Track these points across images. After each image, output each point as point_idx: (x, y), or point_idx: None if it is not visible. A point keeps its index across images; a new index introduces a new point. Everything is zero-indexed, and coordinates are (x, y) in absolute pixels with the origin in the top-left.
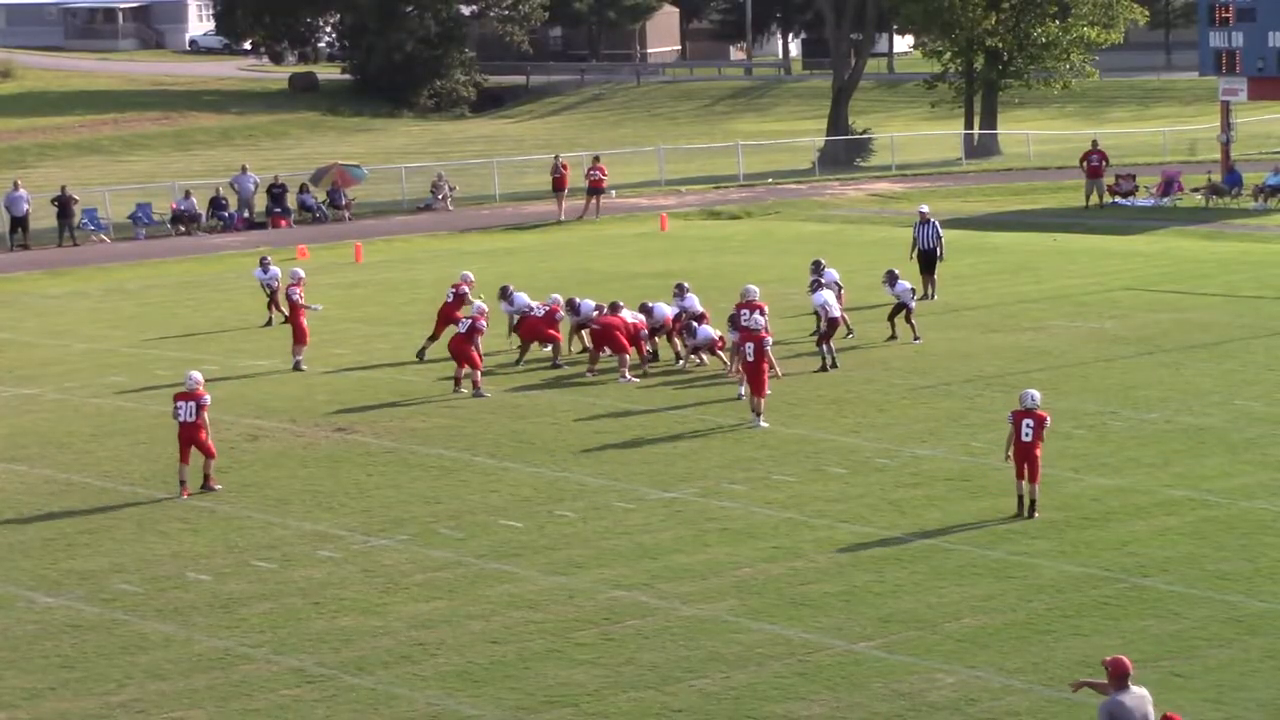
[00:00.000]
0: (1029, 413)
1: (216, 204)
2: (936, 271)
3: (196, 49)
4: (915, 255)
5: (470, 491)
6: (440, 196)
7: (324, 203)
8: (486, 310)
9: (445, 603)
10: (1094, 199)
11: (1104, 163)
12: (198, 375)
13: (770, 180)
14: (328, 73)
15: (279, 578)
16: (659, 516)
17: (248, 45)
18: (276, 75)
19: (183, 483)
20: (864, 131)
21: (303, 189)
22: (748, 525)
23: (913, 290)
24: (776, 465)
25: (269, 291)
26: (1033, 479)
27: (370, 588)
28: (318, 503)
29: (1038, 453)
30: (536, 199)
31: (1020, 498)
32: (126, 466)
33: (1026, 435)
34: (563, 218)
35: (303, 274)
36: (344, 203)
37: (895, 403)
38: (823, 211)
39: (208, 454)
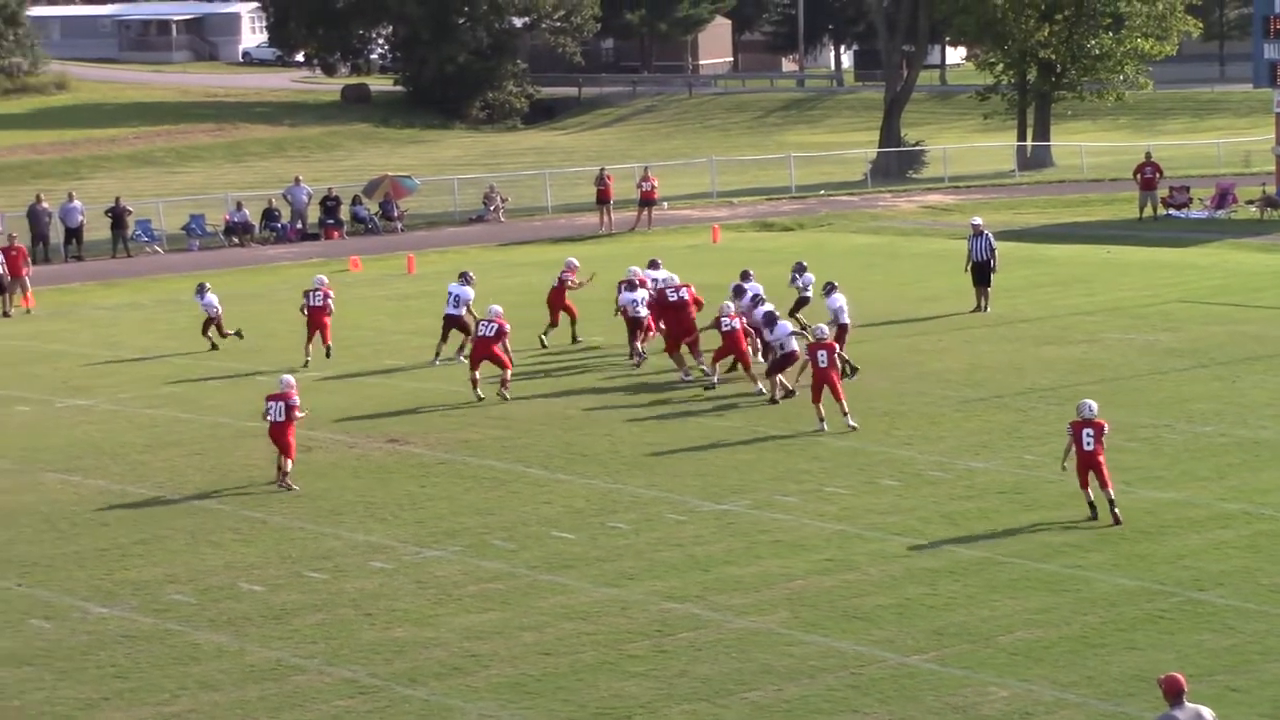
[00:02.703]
0: (1088, 422)
1: (269, 215)
2: (990, 284)
3: (249, 61)
4: (969, 268)
5: (523, 503)
6: (492, 208)
7: (376, 214)
8: (500, 311)
9: (498, 614)
10: (1148, 211)
11: (1158, 175)
12: (290, 379)
13: (822, 192)
14: (380, 84)
15: (331, 589)
16: (711, 528)
17: (300, 57)
18: (329, 87)
19: (280, 469)
20: (916, 143)
21: (355, 200)
22: (800, 537)
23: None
24: (829, 477)
25: (207, 317)
26: (1104, 485)
27: (423, 599)
28: (370, 514)
29: (1102, 459)
30: (589, 210)
31: (1092, 504)
32: (180, 477)
33: (1088, 444)
34: (606, 230)
35: (326, 280)
36: (396, 214)
37: (948, 415)
38: (875, 223)
39: (287, 454)
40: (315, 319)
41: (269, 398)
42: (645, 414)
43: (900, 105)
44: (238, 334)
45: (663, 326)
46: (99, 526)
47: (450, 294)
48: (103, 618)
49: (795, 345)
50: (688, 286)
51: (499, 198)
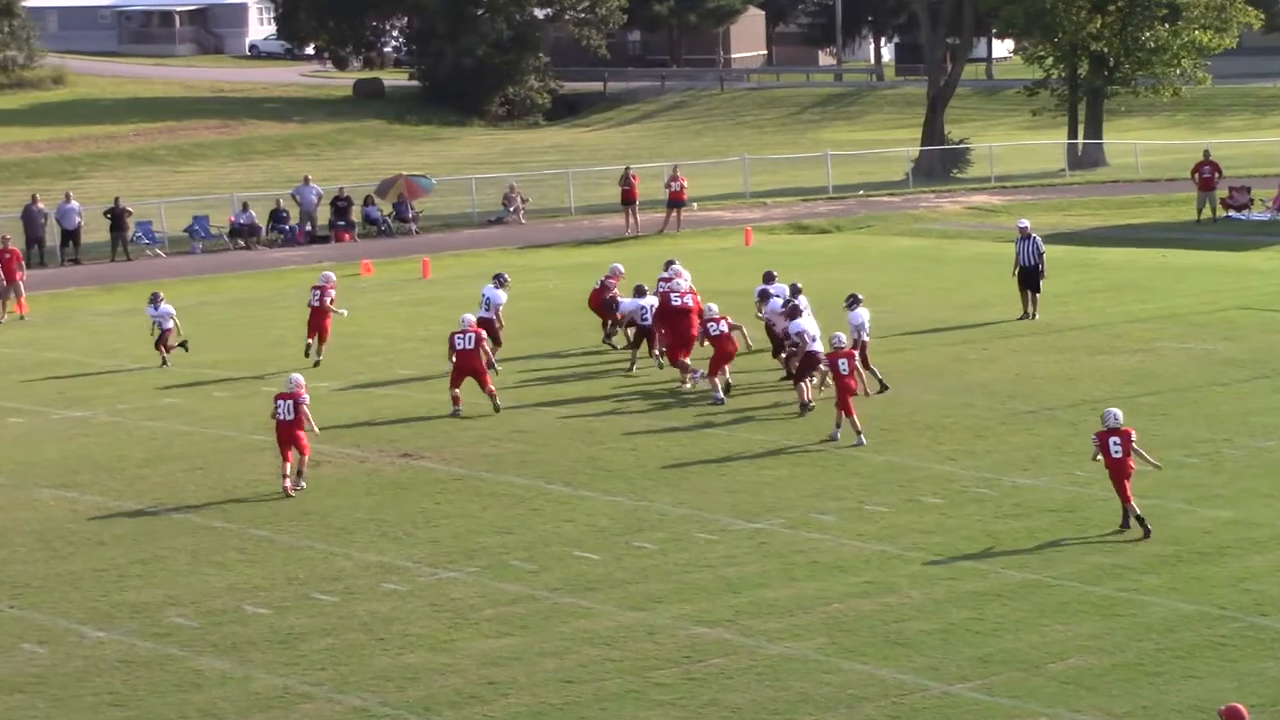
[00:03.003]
0: (1114, 430)
1: (277, 216)
2: (1039, 289)
3: (257, 54)
4: (1016, 273)
5: (543, 521)
6: (512, 209)
7: (390, 215)
8: (473, 320)
9: (517, 639)
10: (1206, 213)
11: (1217, 174)
12: (299, 378)
13: (861, 192)
14: (394, 79)
15: (341, 612)
16: (744, 548)
17: (310, 50)
18: (340, 82)
19: (285, 476)
20: (961, 141)
21: (368, 201)
22: (838, 558)
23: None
24: (868, 495)
25: (159, 331)
26: (1126, 499)
27: (438, 623)
28: (382, 532)
29: (1132, 465)
30: (613, 212)
31: (1140, 518)
32: (181, 494)
33: (1117, 452)
34: (632, 232)
35: (333, 276)
36: (411, 215)
37: (994, 429)
38: (917, 225)
39: (301, 450)
40: (314, 321)
41: (278, 397)
42: (670, 425)
43: (944, 101)
44: (183, 345)
45: (662, 332)
46: (96, 545)
47: (483, 297)
48: (100, 642)
49: (818, 346)
50: (693, 292)
51: (519, 198)
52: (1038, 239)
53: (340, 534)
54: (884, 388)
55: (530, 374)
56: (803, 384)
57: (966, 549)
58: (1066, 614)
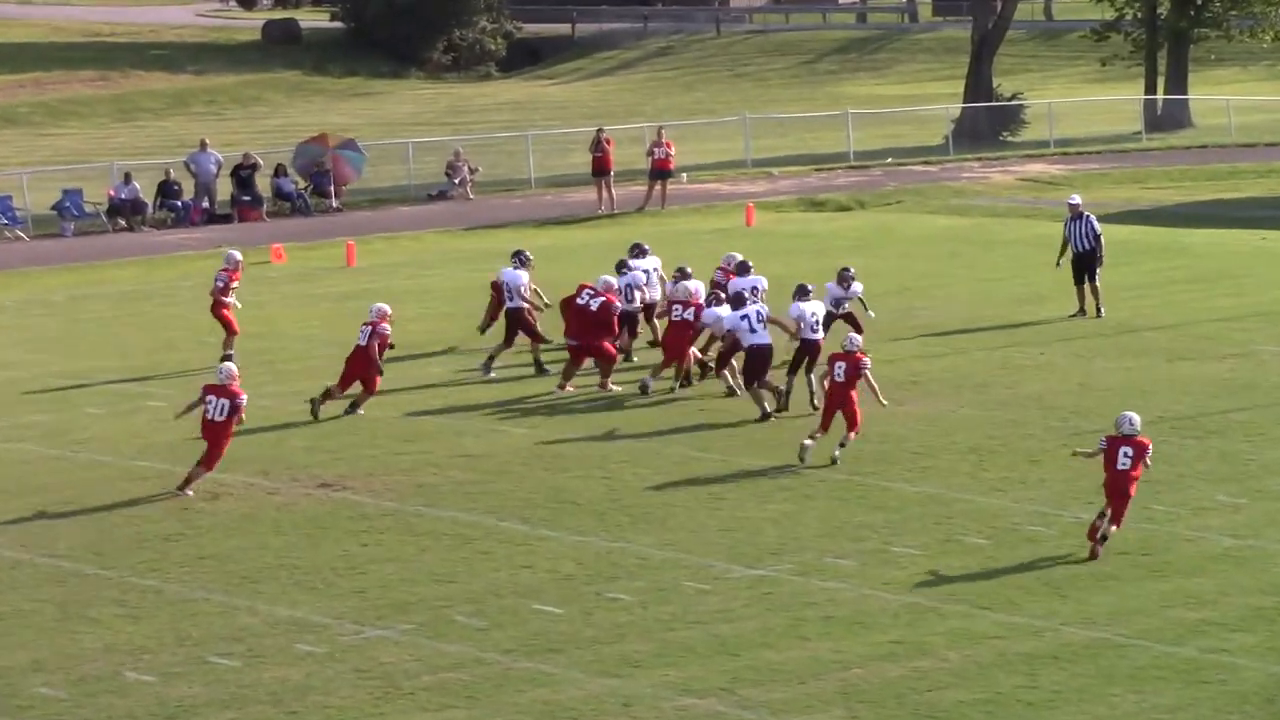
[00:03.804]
0: (1128, 439)
1: (167, 190)
2: (1098, 279)
3: None
4: (1066, 260)
5: (495, 567)
6: (458, 181)
7: (306, 189)
8: (389, 313)
9: (462, 712)
10: None
11: None
12: (232, 367)
13: (890, 161)
14: (312, 20)
15: (243, 679)
16: (742, 600)
17: None
18: (246, 23)
19: (189, 480)
20: (1013, 97)
21: (279, 171)
22: (858, 612)
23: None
24: (896, 534)
25: None
26: (1119, 516)
27: (363, 693)
28: (295, 581)
29: (1134, 486)
30: (583, 184)
31: (1096, 530)
32: (49, 533)
33: (1124, 464)
34: (606, 209)
35: (239, 257)
36: (332, 189)
37: (1052, 453)
38: (959, 201)
39: (211, 461)
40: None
41: (208, 389)
42: (657, 451)
43: (992, 47)
44: None
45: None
46: None
47: (504, 284)
48: None
49: (753, 339)
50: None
51: (467, 168)
52: (1092, 218)
53: (243, 583)
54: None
55: (479, 384)
56: (725, 373)
57: (1017, 600)
58: (1140, 681)
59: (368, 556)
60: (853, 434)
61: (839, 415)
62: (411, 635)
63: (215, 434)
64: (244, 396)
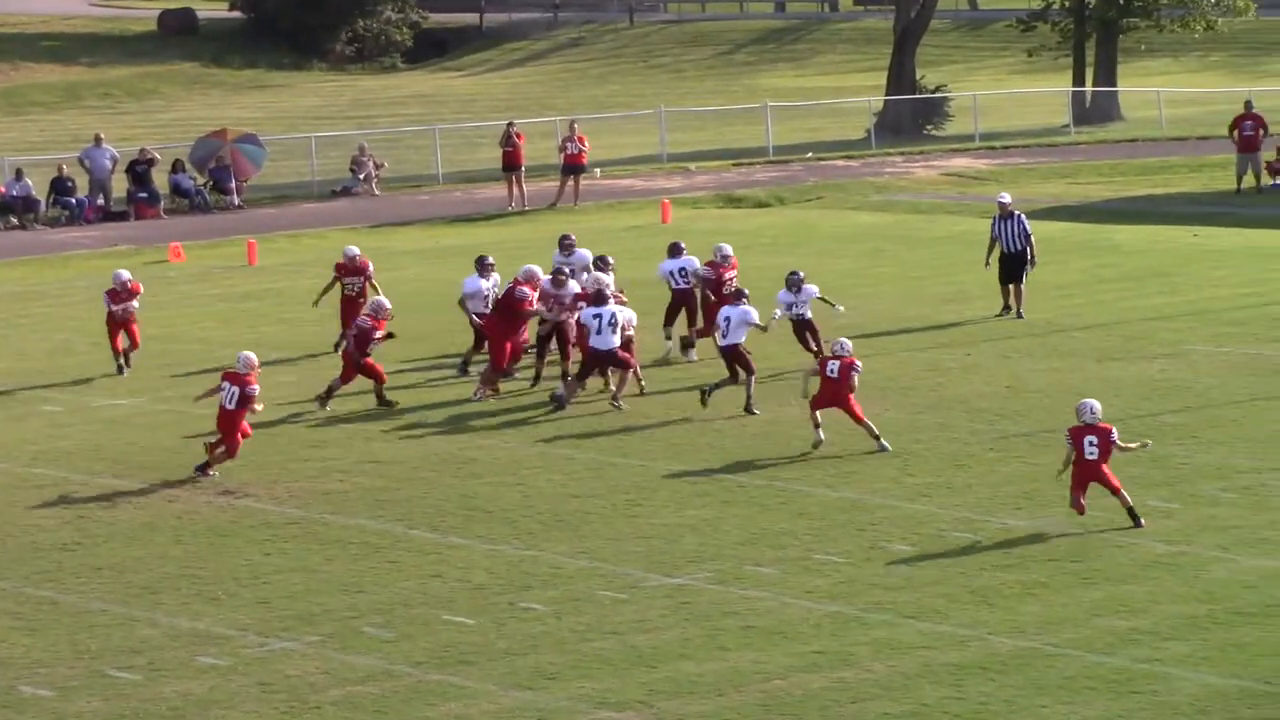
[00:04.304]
0: (1091, 428)
1: (60, 187)
2: (1024, 281)
3: None
4: (995, 259)
5: (404, 577)
6: (363, 176)
7: (205, 185)
8: (387, 306)
9: None
10: (1248, 180)
11: (1262, 132)
12: (252, 356)
13: (810, 155)
14: (210, 9)
15: (144, 694)
16: (659, 610)
17: None
18: (141, 12)
19: (209, 463)
20: (936, 89)
21: (176, 167)
22: (780, 622)
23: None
24: (819, 541)
25: None
26: (1116, 493)
27: (268, 706)
28: (197, 591)
29: (1107, 469)
30: (493, 180)
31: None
32: None
33: (1091, 453)
34: (517, 206)
35: (127, 276)
36: (233, 186)
37: (979, 456)
38: (881, 197)
39: (229, 450)
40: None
41: (226, 375)
42: (571, 456)
43: (915, 38)
44: None
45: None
46: None
47: (470, 293)
48: None
49: (597, 341)
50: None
51: (372, 163)
52: (1023, 218)
53: (143, 594)
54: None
55: (388, 388)
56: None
57: (943, 609)
58: (1070, 691)
59: (272, 566)
60: (868, 423)
61: (831, 411)
62: (318, 647)
63: (227, 423)
64: (256, 386)
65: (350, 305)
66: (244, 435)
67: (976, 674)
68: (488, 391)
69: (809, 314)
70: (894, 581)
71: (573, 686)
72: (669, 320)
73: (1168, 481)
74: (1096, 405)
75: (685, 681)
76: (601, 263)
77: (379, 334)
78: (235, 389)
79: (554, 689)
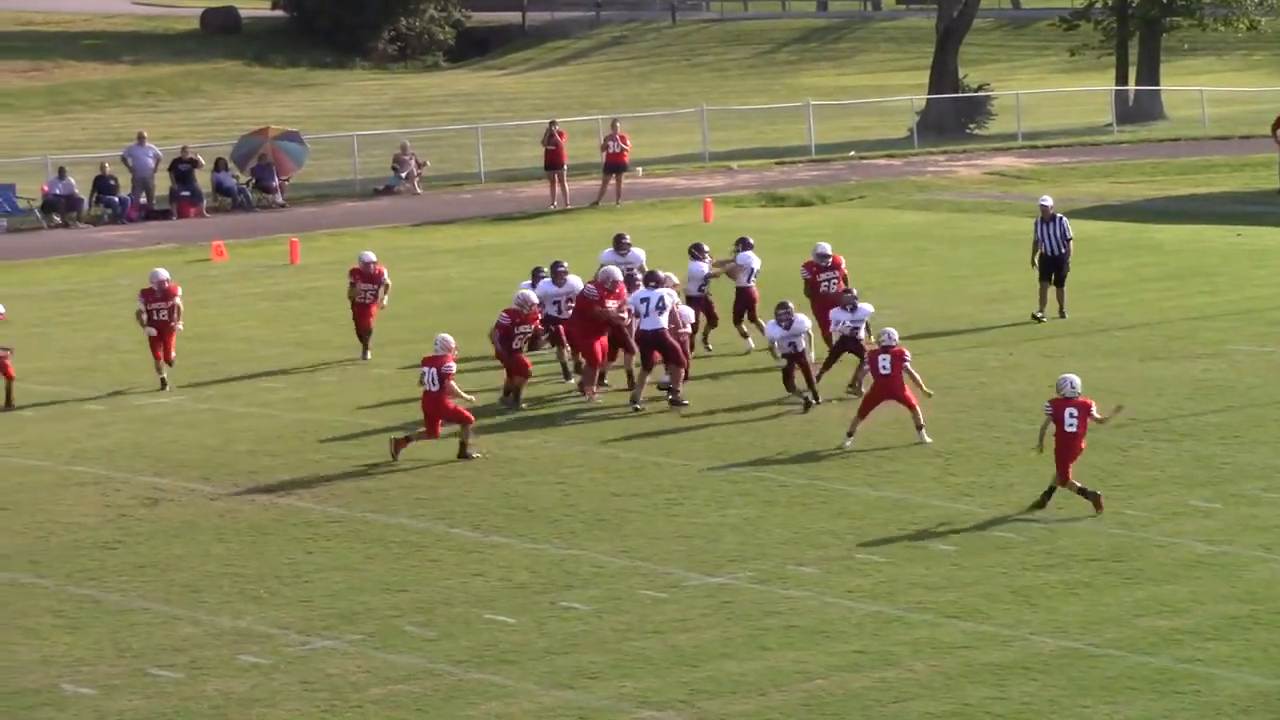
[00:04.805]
0: (1070, 400)
1: (103, 186)
2: (1064, 283)
3: None
4: (1036, 260)
5: (445, 575)
6: (405, 175)
7: (248, 184)
8: (534, 300)
9: None
10: None
11: None
12: (449, 339)
13: (853, 154)
14: (253, 8)
15: (186, 692)
16: (701, 609)
17: None
18: (184, 11)
19: (406, 438)
20: (979, 88)
21: (219, 165)
22: (821, 621)
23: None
24: (861, 541)
25: None
26: (1062, 478)
27: (310, 705)
28: (239, 590)
29: (1083, 444)
30: (535, 178)
31: (1050, 490)
32: None
33: (1071, 425)
34: (559, 205)
35: (165, 275)
36: (275, 184)
37: (1022, 457)
38: (924, 196)
39: (462, 421)
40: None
41: (425, 360)
42: (614, 456)
43: (958, 37)
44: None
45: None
46: None
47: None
48: None
49: (643, 323)
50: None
51: (414, 161)
52: (1065, 221)
53: (185, 592)
54: (812, 403)
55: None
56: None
57: (985, 609)
58: (1112, 692)
59: (314, 564)
60: (919, 410)
61: (879, 408)
62: (359, 646)
63: (432, 405)
64: (451, 364)
65: (362, 311)
66: (461, 417)
67: (1019, 674)
68: (594, 392)
69: (803, 345)
70: (936, 581)
71: (614, 686)
72: (737, 319)
73: (1210, 481)
74: (1076, 380)
75: (727, 681)
76: (621, 245)
77: (524, 329)
78: (433, 370)
79: (595, 688)
